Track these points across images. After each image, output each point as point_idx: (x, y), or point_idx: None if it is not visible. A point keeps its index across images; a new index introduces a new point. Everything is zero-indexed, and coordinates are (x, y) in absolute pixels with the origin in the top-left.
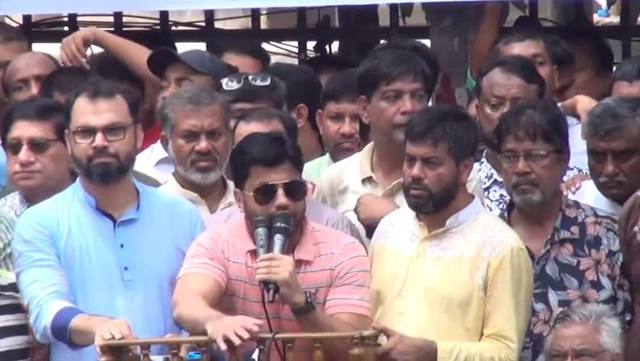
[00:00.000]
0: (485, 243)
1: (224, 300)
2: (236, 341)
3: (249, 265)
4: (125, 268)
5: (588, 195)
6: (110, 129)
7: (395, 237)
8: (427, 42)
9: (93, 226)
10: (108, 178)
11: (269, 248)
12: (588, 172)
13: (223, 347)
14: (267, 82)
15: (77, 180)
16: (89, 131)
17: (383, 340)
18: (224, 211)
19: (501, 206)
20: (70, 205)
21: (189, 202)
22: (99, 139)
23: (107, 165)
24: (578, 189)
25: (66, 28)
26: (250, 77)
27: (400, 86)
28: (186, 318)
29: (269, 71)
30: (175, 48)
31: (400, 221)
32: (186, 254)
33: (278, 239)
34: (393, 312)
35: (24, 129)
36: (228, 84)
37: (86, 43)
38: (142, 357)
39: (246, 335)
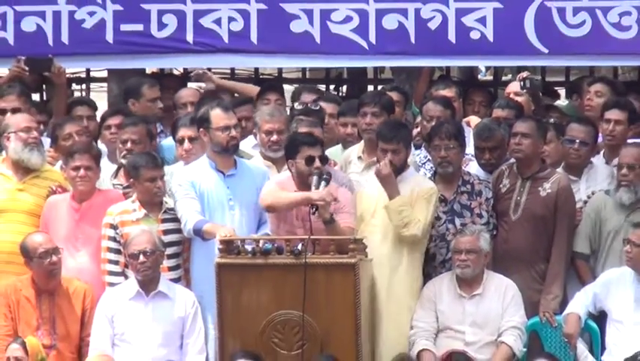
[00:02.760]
0: (415, 187)
1: (281, 215)
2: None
3: None
4: (230, 199)
5: (472, 168)
6: (236, 126)
7: (369, 187)
8: None
9: (213, 178)
10: (236, 151)
11: (318, 187)
12: (473, 157)
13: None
14: (317, 107)
15: (205, 153)
16: (227, 128)
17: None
18: (285, 172)
19: (431, 173)
20: (201, 167)
21: (265, 167)
22: (234, 132)
23: (236, 145)
24: (467, 165)
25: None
26: (308, 105)
27: (365, 109)
28: (280, 203)
29: (325, 99)
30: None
31: (372, 179)
32: (265, 184)
33: (324, 180)
34: (369, 225)
35: (185, 131)
36: (297, 107)
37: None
38: (240, 246)
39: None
